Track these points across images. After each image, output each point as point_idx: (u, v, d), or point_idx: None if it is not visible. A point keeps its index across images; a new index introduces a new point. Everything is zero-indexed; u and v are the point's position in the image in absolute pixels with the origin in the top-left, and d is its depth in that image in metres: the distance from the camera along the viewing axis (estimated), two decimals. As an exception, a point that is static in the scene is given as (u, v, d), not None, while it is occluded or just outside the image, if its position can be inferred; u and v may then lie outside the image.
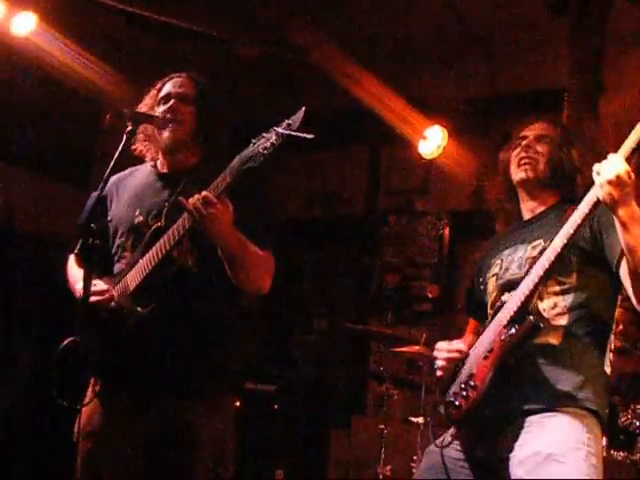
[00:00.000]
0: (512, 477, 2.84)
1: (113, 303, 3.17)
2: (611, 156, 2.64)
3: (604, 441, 4.34)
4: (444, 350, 3.12)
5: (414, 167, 7.83)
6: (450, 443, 3.04)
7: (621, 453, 4.56)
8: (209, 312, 3.20)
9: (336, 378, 8.04)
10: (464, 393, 2.92)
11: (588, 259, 2.94)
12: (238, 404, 6.43)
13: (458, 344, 3.13)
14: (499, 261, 3.17)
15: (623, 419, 4.79)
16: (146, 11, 6.38)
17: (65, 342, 3.12)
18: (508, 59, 7.35)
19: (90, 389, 3.22)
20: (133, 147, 3.36)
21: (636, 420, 4.85)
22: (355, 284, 8.28)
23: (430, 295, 6.66)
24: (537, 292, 2.89)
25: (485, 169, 7.42)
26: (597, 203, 2.69)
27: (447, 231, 7.86)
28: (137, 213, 3.30)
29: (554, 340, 2.92)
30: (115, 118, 3.22)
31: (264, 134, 2.87)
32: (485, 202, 7.38)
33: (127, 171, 3.48)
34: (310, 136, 2.77)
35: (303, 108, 2.84)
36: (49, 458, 6.20)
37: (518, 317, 2.87)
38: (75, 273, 3.44)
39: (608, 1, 5.95)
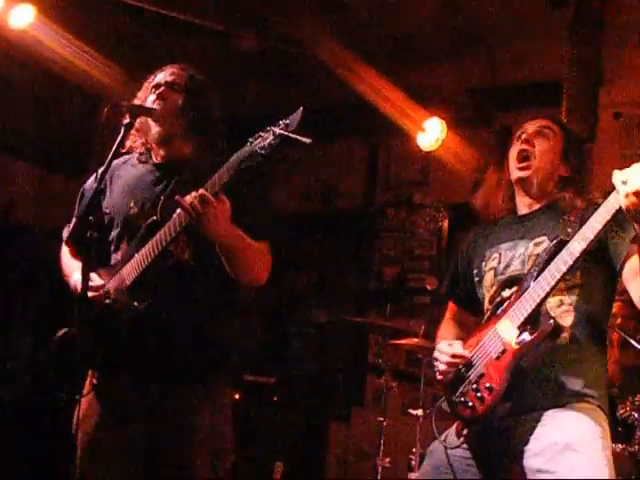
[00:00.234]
0: (527, 469, 2.85)
1: (108, 299, 3.17)
2: (637, 166, 2.57)
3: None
4: (447, 354, 3.07)
5: (413, 160, 7.82)
6: (460, 444, 3.01)
7: (619, 445, 4.57)
8: (206, 305, 3.20)
9: (335, 370, 8.04)
10: (478, 394, 2.90)
11: (591, 257, 2.92)
12: (237, 396, 6.44)
13: (459, 348, 3.07)
14: (497, 255, 3.17)
15: (621, 411, 4.80)
16: (146, 4, 6.37)
17: (61, 333, 3.13)
18: (507, 51, 7.34)
19: (88, 381, 3.22)
20: (126, 143, 3.36)
21: (634, 412, 4.86)
22: (354, 277, 8.28)
23: (429, 287, 6.64)
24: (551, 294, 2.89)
25: (484, 161, 7.43)
26: (619, 211, 2.67)
27: (446, 223, 7.85)
28: (132, 204, 3.29)
29: (562, 338, 2.93)
30: (113, 111, 3.21)
31: (261, 133, 2.85)
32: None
33: (120, 160, 3.45)
34: (308, 140, 2.76)
35: (301, 108, 2.83)
36: (48, 450, 6.20)
37: (532, 318, 2.86)
38: (69, 263, 3.44)
39: (607, -6, 5.96)
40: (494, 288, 3.13)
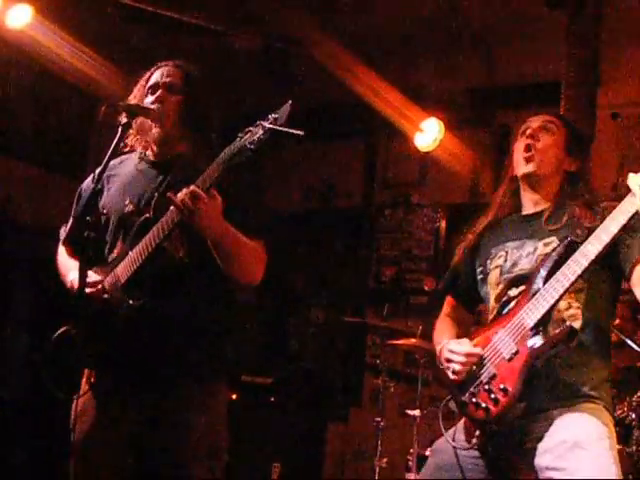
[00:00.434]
0: (536, 467, 2.85)
1: (105, 295, 3.17)
2: None
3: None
4: (461, 354, 3.03)
5: (411, 160, 7.82)
6: (473, 446, 2.99)
7: (617, 446, 4.57)
8: (201, 302, 3.19)
9: (333, 371, 8.05)
10: (492, 396, 2.88)
11: (599, 260, 2.91)
12: (235, 397, 6.44)
13: (470, 347, 3.04)
14: (503, 253, 3.16)
15: (619, 412, 4.81)
16: (144, 4, 6.36)
17: (59, 331, 3.12)
18: (505, 52, 7.35)
19: (84, 380, 3.22)
20: (125, 142, 3.36)
21: (632, 412, 4.87)
22: (352, 277, 8.28)
23: (426, 288, 6.64)
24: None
25: (481, 162, 7.44)
26: (635, 214, 2.68)
27: (443, 224, 7.85)
28: (127, 202, 3.28)
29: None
30: (110, 110, 3.21)
31: (251, 128, 2.84)
32: (481, 195, 7.45)
33: (117, 160, 3.45)
34: (300, 132, 2.76)
35: (289, 102, 2.82)
36: (45, 449, 6.20)
37: (544, 320, 2.86)
38: (66, 263, 3.44)
39: (605, -7, 5.96)
40: (500, 286, 3.12)
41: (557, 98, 5.72)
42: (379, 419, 5.93)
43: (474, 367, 2.99)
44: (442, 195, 7.88)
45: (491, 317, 3.12)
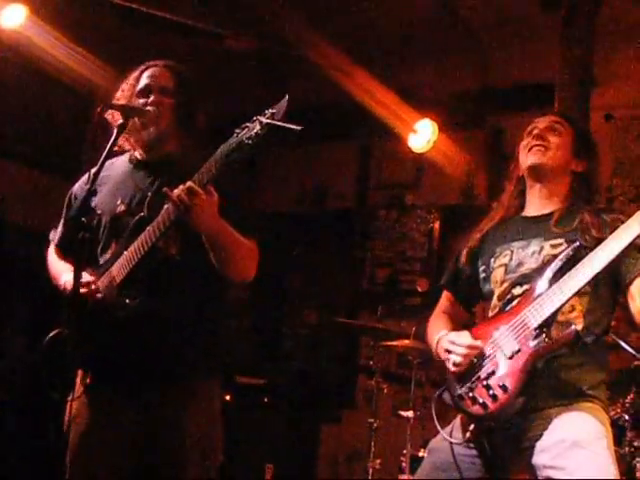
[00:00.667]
0: (535, 466, 2.86)
1: (99, 295, 3.16)
2: None
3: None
4: (463, 345, 3.02)
5: (404, 161, 7.82)
6: (466, 440, 2.99)
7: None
8: (194, 300, 3.19)
9: (326, 372, 8.04)
10: (491, 392, 2.89)
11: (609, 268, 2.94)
12: (228, 398, 6.44)
13: (471, 339, 3.03)
14: (508, 252, 3.16)
15: (612, 413, 4.80)
16: (138, 5, 6.35)
17: (52, 333, 3.12)
18: (499, 53, 7.35)
19: (79, 381, 3.21)
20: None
21: (624, 414, 4.87)
22: (345, 278, 8.27)
23: (420, 289, 6.65)
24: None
25: (476, 163, 7.45)
26: None
27: (437, 225, 7.86)
28: (118, 202, 3.28)
29: None
30: (105, 111, 3.21)
31: (247, 124, 2.83)
32: (475, 196, 7.46)
33: (108, 161, 3.44)
34: (297, 127, 2.74)
35: (286, 96, 2.80)
36: (40, 450, 6.18)
37: (548, 322, 2.87)
38: (57, 266, 3.44)
39: (599, -5, 5.96)
40: (505, 285, 3.12)
41: (551, 99, 5.73)
42: (372, 420, 5.93)
43: (474, 360, 2.99)
44: (436, 196, 7.88)
45: (493, 313, 3.12)
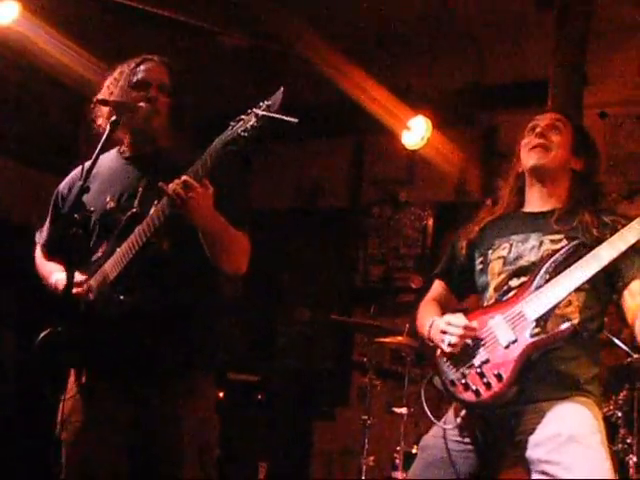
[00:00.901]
0: (529, 459, 2.86)
1: (91, 294, 3.15)
2: None
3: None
4: (459, 326, 2.99)
5: (398, 158, 7.82)
6: (458, 425, 3.00)
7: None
8: (185, 295, 3.18)
9: (320, 369, 8.04)
10: (484, 380, 2.89)
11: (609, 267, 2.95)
12: (221, 395, 6.43)
13: (467, 320, 3.01)
14: (507, 245, 3.16)
15: (605, 410, 4.82)
16: (132, 2, 6.34)
17: (44, 332, 3.11)
18: (493, 51, 7.36)
19: (72, 380, 3.20)
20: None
21: (617, 411, 4.88)
22: (339, 275, 8.28)
23: (413, 286, 6.66)
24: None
25: (469, 160, 7.46)
26: None
27: (431, 222, 7.87)
28: (108, 199, 3.26)
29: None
30: (99, 107, 3.20)
31: (243, 116, 2.81)
32: (469, 193, 7.47)
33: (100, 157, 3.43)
34: (294, 120, 2.72)
35: (282, 89, 2.78)
36: (34, 450, 6.18)
37: (546, 315, 2.88)
38: (46, 265, 3.43)
39: (592, -7, 5.97)
40: (502, 276, 3.12)
41: (545, 97, 5.74)
42: (366, 417, 5.93)
43: (469, 342, 2.99)
44: (430, 193, 7.89)
45: (489, 303, 3.11)
